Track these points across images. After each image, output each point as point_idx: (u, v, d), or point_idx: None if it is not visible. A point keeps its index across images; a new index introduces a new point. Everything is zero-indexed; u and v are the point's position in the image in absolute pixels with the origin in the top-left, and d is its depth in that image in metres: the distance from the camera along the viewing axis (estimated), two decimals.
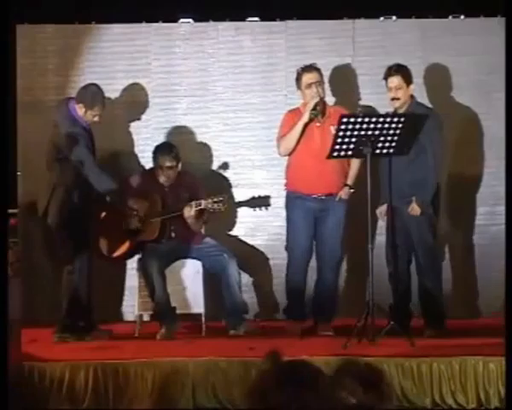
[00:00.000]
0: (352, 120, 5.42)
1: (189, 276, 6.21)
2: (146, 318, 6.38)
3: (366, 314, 5.34)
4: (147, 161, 6.52)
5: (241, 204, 6.50)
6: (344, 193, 5.99)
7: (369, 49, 6.75)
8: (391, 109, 5.96)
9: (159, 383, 4.96)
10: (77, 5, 6.47)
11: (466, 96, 6.73)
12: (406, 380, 4.95)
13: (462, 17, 6.78)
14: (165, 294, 5.99)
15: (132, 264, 6.45)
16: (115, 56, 6.77)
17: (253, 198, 6.37)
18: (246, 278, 6.63)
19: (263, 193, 6.38)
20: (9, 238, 5.46)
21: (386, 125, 5.43)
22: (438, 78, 6.70)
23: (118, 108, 6.71)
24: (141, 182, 6.27)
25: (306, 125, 5.91)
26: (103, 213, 6.10)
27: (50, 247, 6.29)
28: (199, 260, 6.21)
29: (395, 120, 5.48)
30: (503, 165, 5.13)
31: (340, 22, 6.78)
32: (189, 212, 6.01)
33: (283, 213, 6.19)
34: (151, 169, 6.34)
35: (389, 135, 5.46)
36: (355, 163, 5.97)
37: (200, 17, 6.79)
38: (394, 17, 6.78)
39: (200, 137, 6.81)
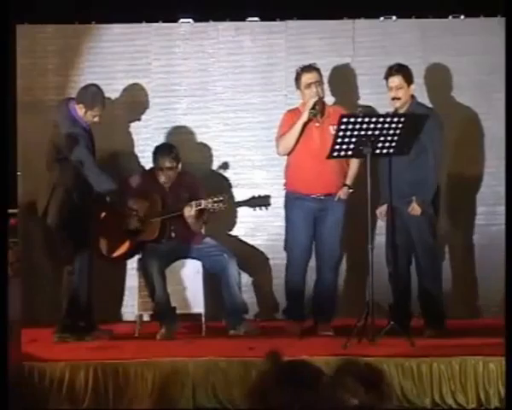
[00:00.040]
0: (352, 119, 5.41)
1: (189, 276, 6.21)
2: (146, 318, 6.37)
3: (366, 314, 5.33)
4: (147, 162, 6.52)
5: (241, 204, 6.48)
6: (343, 193, 5.99)
7: (369, 49, 6.74)
8: (391, 109, 5.96)
9: (159, 383, 4.96)
10: (77, 5, 6.47)
11: (466, 97, 6.73)
12: (406, 380, 4.95)
13: (462, 17, 6.77)
14: (165, 294, 5.99)
15: (132, 264, 6.45)
16: (115, 56, 6.76)
17: (253, 198, 6.35)
18: (246, 278, 6.63)
19: (263, 193, 6.36)
20: (9, 238, 5.47)
21: (387, 125, 5.42)
22: (438, 78, 6.69)
23: (118, 109, 6.70)
24: (141, 182, 6.27)
25: (305, 124, 5.91)
26: (103, 214, 6.10)
27: (50, 247, 6.29)
28: (199, 260, 6.21)
29: (395, 119, 5.47)
30: (503, 165, 5.13)
31: (340, 22, 6.77)
32: (189, 212, 6.01)
33: (283, 213, 6.19)
34: (151, 169, 6.33)
35: (389, 135, 5.45)
36: (354, 163, 5.97)
37: (200, 17, 6.79)
38: (394, 17, 6.78)
39: (200, 137, 6.81)
